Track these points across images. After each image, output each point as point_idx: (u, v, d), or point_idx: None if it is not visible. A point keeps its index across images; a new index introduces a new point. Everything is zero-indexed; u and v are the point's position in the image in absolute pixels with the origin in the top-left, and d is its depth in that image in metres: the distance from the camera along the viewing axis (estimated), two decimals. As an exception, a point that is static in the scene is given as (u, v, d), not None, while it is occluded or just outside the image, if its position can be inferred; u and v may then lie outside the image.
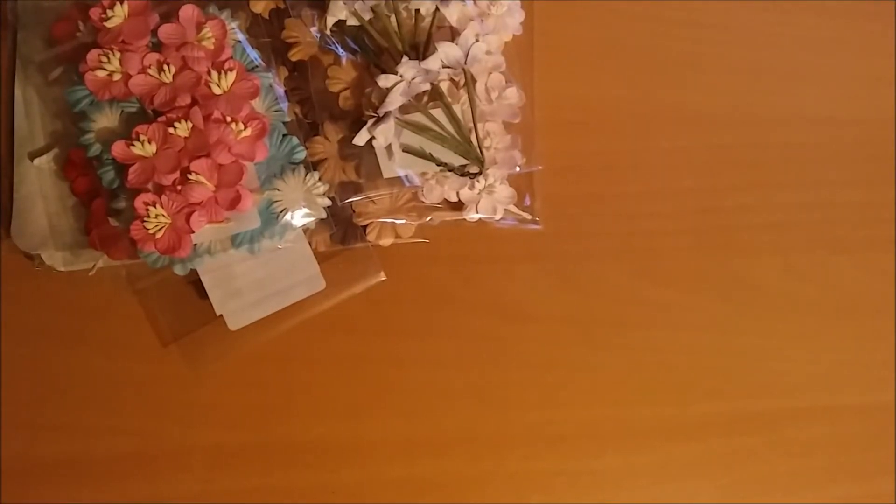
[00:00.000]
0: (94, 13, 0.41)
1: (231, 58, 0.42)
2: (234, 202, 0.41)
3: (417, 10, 0.44)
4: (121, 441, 0.43)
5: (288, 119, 0.44)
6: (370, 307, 0.46)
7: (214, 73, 0.41)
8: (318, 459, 0.44)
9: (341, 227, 0.45)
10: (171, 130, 0.40)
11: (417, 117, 0.44)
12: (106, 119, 0.42)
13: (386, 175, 0.44)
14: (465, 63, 0.43)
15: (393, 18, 0.44)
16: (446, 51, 0.43)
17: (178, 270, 0.41)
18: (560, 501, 0.45)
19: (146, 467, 0.43)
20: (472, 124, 0.44)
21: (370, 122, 0.43)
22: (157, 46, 0.41)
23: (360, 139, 0.43)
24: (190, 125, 0.40)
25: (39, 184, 0.43)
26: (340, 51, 0.45)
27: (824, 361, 0.48)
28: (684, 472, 0.46)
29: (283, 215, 0.42)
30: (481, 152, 0.44)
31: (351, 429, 0.45)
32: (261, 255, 0.42)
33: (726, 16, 0.52)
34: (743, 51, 0.51)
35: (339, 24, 0.44)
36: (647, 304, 0.47)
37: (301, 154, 0.43)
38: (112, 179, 0.41)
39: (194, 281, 0.43)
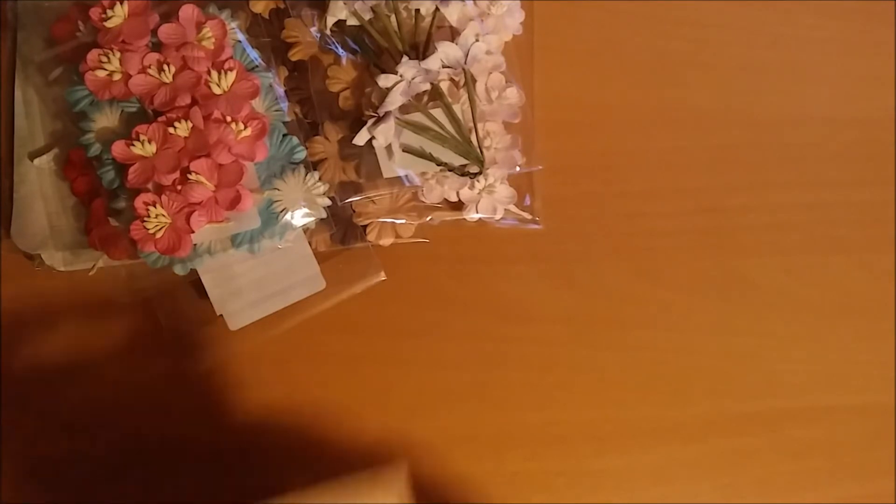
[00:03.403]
0: (94, 13, 0.41)
1: (231, 58, 0.42)
2: (234, 202, 0.41)
3: (417, 10, 0.44)
4: (121, 441, 0.43)
5: (288, 119, 0.44)
6: (370, 307, 0.46)
7: (214, 73, 0.41)
8: (318, 459, 0.44)
9: (341, 227, 0.45)
10: (171, 130, 0.40)
11: (417, 117, 0.44)
12: (106, 119, 0.42)
13: (386, 175, 0.44)
14: (465, 63, 0.43)
15: (393, 18, 0.44)
16: (446, 51, 0.43)
17: (178, 270, 0.41)
18: (560, 502, 0.45)
19: (146, 467, 0.43)
20: (472, 124, 0.44)
21: (370, 122, 0.43)
22: (157, 46, 0.41)
23: (360, 139, 0.43)
24: (190, 125, 0.40)
25: (39, 184, 0.43)
26: (340, 51, 0.45)
27: (824, 361, 0.48)
28: (684, 472, 0.46)
29: (283, 215, 0.42)
30: (481, 152, 0.44)
31: (351, 429, 0.45)
32: (261, 255, 0.42)
33: (726, 16, 0.52)
34: (743, 51, 0.51)
35: (339, 24, 0.44)
36: (647, 304, 0.47)
37: (301, 154, 0.43)
38: (112, 179, 0.41)
39: (194, 281, 0.43)
